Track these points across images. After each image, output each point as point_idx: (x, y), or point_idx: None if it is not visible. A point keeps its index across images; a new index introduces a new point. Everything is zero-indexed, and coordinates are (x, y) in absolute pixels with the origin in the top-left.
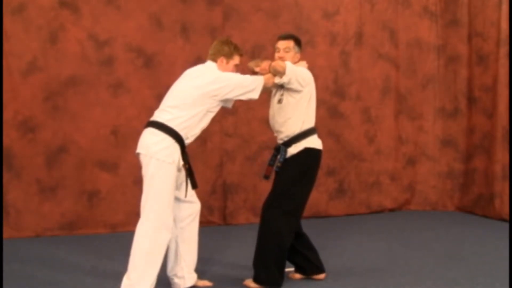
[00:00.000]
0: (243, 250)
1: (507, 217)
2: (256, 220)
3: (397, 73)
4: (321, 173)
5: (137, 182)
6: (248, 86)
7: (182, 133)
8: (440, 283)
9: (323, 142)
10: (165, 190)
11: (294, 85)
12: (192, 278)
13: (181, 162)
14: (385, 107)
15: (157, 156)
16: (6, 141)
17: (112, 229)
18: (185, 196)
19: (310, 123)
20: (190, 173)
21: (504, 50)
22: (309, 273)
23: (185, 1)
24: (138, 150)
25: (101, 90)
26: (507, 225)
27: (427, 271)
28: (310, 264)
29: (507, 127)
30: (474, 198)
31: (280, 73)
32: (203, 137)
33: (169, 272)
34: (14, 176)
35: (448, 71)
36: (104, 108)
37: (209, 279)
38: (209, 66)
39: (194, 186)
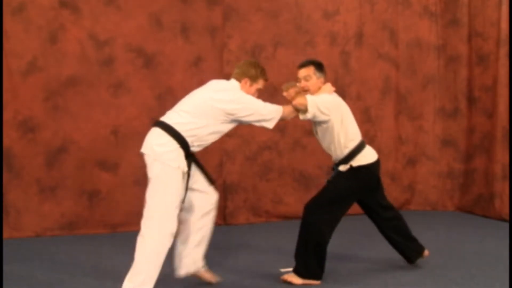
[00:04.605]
0: (243, 250)
1: (507, 217)
2: (256, 220)
3: (397, 73)
4: (321, 173)
5: (137, 182)
6: (265, 115)
7: (188, 139)
8: (440, 283)
9: None
10: (170, 194)
11: (320, 118)
12: (196, 266)
13: (186, 168)
14: (385, 107)
15: (162, 159)
16: (6, 141)
17: (112, 229)
18: (183, 207)
19: (353, 141)
20: (203, 170)
21: (504, 50)
22: (414, 258)
23: (185, 1)
24: (143, 150)
25: (101, 90)
26: (507, 225)
27: (427, 271)
28: (411, 251)
29: (507, 127)
30: (474, 198)
31: (303, 111)
32: None
33: (176, 256)
34: (14, 176)
35: (448, 71)
36: (104, 108)
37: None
38: (233, 85)
39: (212, 182)
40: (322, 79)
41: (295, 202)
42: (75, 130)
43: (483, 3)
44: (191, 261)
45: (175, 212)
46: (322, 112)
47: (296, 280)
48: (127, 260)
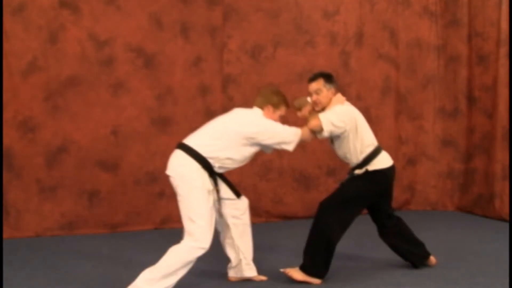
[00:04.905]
0: None
1: (507, 217)
2: (256, 220)
3: (397, 73)
4: (321, 173)
5: (137, 182)
6: (285, 138)
7: (210, 160)
8: (440, 283)
9: (323, 142)
10: (200, 211)
11: (337, 132)
12: (252, 269)
13: (211, 187)
14: (385, 107)
15: (186, 179)
16: (6, 141)
17: (112, 229)
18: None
19: (369, 147)
20: (229, 185)
21: (504, 50)
22: (418, 263)
23: (185, 1)
24: (168, 172)
25: (101, 90)
26: (507, 225)
27: (427, 271)
28: (414, 255)
29: (507, 127)
30: (474, 198)
31: (318, 132)
32: None
33: (231, 266)
34: (14, 176)
35: (448, 71)
36: (104, 108)
37: (210, 279)
38: (256, 112)
39: (238, 195)
40: (332, 90)
41: (295, 202)
42: (75, 130)
43: (483, 3)
44: (245, 268)
45: (208, 227)
46: (337, 127)
47: (297, 275)
48: (127, 260)
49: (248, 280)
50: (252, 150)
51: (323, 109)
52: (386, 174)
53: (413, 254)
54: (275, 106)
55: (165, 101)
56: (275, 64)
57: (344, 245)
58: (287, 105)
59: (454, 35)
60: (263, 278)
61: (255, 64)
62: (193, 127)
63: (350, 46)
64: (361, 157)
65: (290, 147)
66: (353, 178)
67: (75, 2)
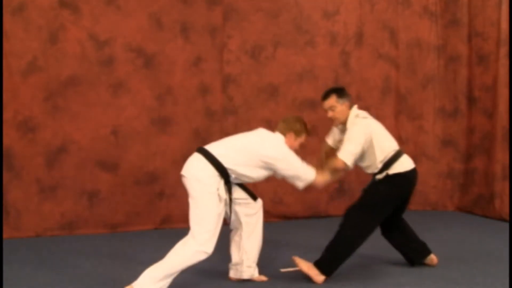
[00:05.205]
0: None
1: (507, 217)
2: None
3: (397, 73)
4: None
5: (137, 182)
6: (299, 175)
7: (228, 171)
8: (440, 283)
9: (323, 142)
10: (209, 216)
11: (359, 154)
12: (250, 271)
13: (224, 195)
14: (385, 107)
15: (200, 183)
16: (6, 141)
17: (112, 229)
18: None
19: (390, 152)
20: (246, 189)
21: (504, 50)
22: (417, 260)
23: (185, 1)
24: (183, 172)
25: (101, 90)
26: (507, 225)
27: (427, 271)
28: (413, 251)
29: (507, 127)
30: (474, 198)
31: (343, 169)
32: (203, 137)
33: (232, 265)
34: (14, 176)
35: (448, 71)
36: (104, 108)
37: (210, 279)
38: (278, 137)
39: (254, 198)
40: (347, 103)
41: (295, 202)
42: (75, 130)
43: (483, 3)
44: (245, 269)
45: (214, 233)
46: (358, 153)
47: (303, 265)
48: (127, 260)
49: (248, 280)
50: (266, 173)
51: (341, 123)
52: (407, 177)
53: (413, 250)
54: (297, 134)
55: (165, 101)
56: (275, 64)
57: None
58: (308, 133)
59: (454, 35)
60: (263, 278)
61: (255, 64)
62: (193, 127)
63: (350, 46)
64: (377, 168)
65: (301, 185)
66: (375, 183)
67: (75, 2)
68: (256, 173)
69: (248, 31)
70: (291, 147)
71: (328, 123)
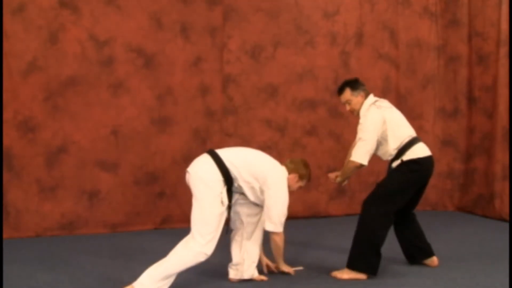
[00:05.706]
0: None
1: (507, 217)
2: None
3: (397, 73)
4: (321, 173)
5: (137, 182)
6: (272, 215)
7: (233, 176)
8: (440, 283)
9: (323, 142)
10: (211, 217)
11: (375, 146)
12: (250, 271)
13: (226, 200)
14: None
15: (205, 184)
16: (6, 141)
17: (112, 229)
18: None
19: (404, 139)
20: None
21: (504, 50)
22: (417, 258)
23: (185, 1)
24: (189, 169)
25: (101, 90)
26: (507, 225)
27: (427, 271)
28: (416, 249)
29: (507, 127)
30: (474, 198)
31: (358, 168)
32: (203, 136)
33: (232, 266)
34: (14, 176)
35: (448, 71)
36: (104, 108)
37: (210, 279)
38: (284, 171)
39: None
40: (362, 93)
41: (295, 202)
42: (75, 130)
43: (483, 3)
44: (245, 269)
45: (214, 235)
46: (373, 148)
47: (342, 275)
48: (127, 260)
49: (248, 280)
50: (260, 197)
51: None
52: (421, 164)
53: (418, 249)
54: (301, 177)
55: (165, 101)
56: (275, 64)
57: (344, 244)
58: (309, 179)
59: (454, 35)
60: (263, 278)
61: (255, 64)
62: (193, 127)
63: (350, 46)
64: (391, 156)
65: (267, 226)
66: (391, 172)
67: (75, 2)
68: (254, 194)
69: (248, 31)
70: (290, 186)
71: (328, 123)
